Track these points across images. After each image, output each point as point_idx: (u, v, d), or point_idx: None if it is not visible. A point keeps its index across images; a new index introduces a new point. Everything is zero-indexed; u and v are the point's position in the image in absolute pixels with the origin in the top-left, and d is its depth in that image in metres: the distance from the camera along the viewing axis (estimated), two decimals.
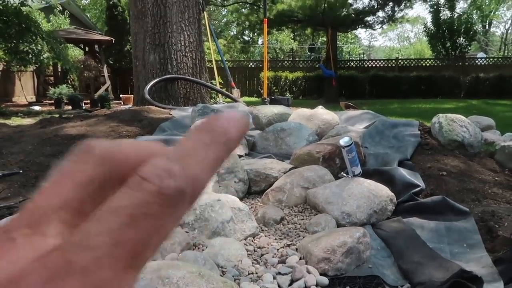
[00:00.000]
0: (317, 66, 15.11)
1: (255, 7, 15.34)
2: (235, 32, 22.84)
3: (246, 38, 21.99)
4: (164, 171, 0.15)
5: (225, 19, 26.50)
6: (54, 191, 0.16)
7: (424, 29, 17.01)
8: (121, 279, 0.14)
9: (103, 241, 0.13)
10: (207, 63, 6.19)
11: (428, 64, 15.74)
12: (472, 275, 1.42)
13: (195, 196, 0.16)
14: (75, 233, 0.14)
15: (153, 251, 0.15)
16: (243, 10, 16.40)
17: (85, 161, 0.17)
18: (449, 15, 15.84)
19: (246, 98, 13.31)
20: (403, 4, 13.67)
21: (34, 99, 12.70)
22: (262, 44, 22.82)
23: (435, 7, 15.80)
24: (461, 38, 15.68)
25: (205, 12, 6.67)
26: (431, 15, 16.23)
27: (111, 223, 0.14)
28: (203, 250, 1.62)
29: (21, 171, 2.67)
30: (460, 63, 15.28)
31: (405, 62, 16.34)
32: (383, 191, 2.08)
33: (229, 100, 6.11)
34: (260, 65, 15.87)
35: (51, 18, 13.41)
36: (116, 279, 0.13)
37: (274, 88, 14.58)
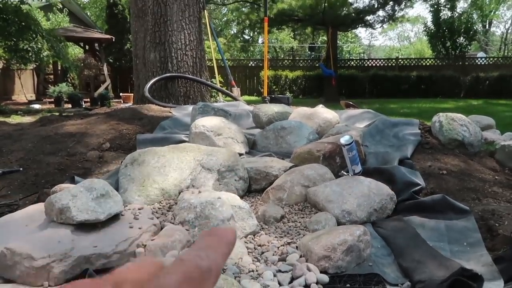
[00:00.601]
0: (317, 65, 15.11)
1: (255, 6, 15.33)
2: (235, 31, 22.83)
3: (246, 37, 21.98)
4: (197, 256, 0.23)
5: (225, 18, 26.48)
6: (136, 269, 0.23)
7: (424, 28, 17.00)
8: None
9: None
10: (207, 61, 6.18)
11: (428, 64, 15.73)
12: (473, 273, 1.42)
13: (217, 274, 0.23)
14: (148, 284, 0.21)
15: None
16: (244, 9, 16.39)
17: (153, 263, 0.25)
18: (450, 15, 15.83)
19: (246, 97, 13.31)
20: (403, 4, 13.67)
21: (34, 98, 12.68)
22: (262, 43, 22.80)
23: (436, 6, 15.79)
24: (461, 38, 15.67)
25: (205, 11, 6.66)
26: (431, 14, 16.23)
27: (172, 280, 0.21)
28: None
29: (21, 169, 2.67)
30: (460, 63, 15.27)
31: (405, 62, 16.33)
32: (384, 190, 2.08)
33: (229, 99, 6.10)
34: (260, 64, 15.86)
35: (50, 16, 13.36)
36: None
37: (274, 87, 14.57)
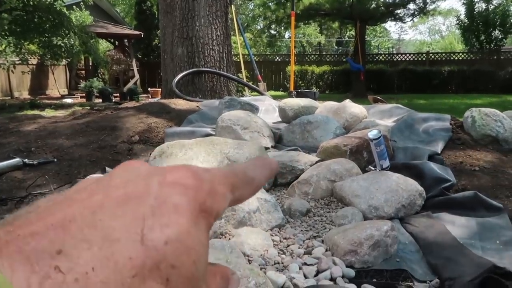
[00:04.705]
0: (344, 60, 14.91)
1: (281, 0, 15.22)
2: (261, 26, 22.77)
3: (273, 32, 21.88)
4: (244, 167, 0.26)
5: (252, 13, 26.45)
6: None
7: (457, 21, 16.44)
8: (225, 194, 0.23)
9: (217, 174, 0.23)
10: (233, 56, 6.20)
11: (460, 58, 15.22)
12: (506, 271, 1.38)
13: (258, 187, 0.26)
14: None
15: (238, 201, 0.25)
16: (270, 3, 16.30)
17: None
18: (484, 7, 15.24)
19: (272, 92, 13.28)
20: None
21: (66, 92, 13.11)
22: (289, 38, 22.65)
23: None
24: (497, 31, 15.07)
25: (232, 6, 6.68)
26: (464, 7, 15.67)
27: (220, 171, 0.24)
28: (229, 239, 1.64)
29: (55, 159, 2.78)
30: (495, 57, 14.70)
31: (436, 56, 15.86)
32: (412, 185, 2.04)
33: (255, 93, 6.11)
34: (287, 59, 15.79)
35: (72, 13, 13.30)
36: (223, 192, 0.23)
37: (300, 82, 14.50)
